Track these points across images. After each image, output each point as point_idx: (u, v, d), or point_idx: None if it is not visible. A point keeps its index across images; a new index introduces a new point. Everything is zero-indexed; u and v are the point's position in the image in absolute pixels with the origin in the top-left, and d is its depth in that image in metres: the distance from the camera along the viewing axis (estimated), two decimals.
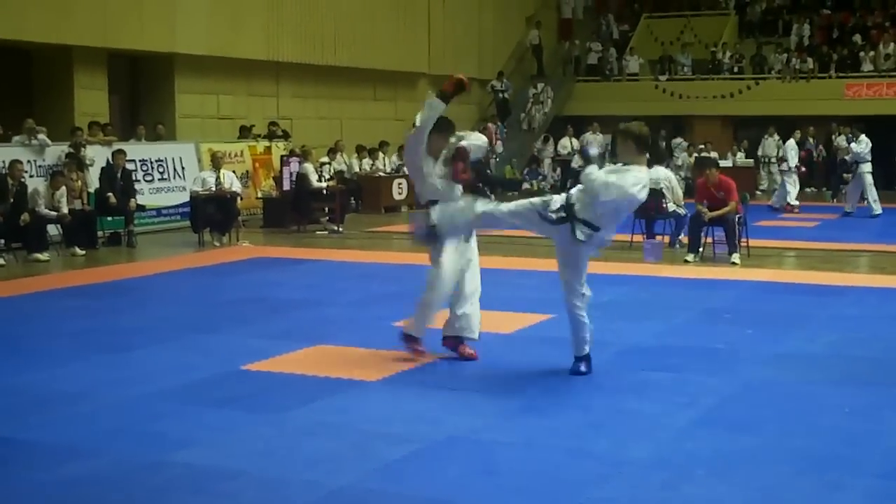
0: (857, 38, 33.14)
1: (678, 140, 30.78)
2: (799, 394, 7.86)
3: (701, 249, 15.42)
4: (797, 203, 23.86)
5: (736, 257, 14.98)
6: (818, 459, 6.28)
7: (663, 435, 6.76)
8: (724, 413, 7.30)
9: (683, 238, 16.35)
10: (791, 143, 24.65)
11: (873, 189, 22.82)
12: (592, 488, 5.79)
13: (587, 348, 8.43)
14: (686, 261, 15.11)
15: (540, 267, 14.18)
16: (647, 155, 8.34)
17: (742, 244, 15.35)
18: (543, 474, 6.02)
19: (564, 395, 7.78)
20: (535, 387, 8.01)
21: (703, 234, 15.43)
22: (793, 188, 24.02)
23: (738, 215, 15.24)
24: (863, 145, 22.84)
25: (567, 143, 30.69)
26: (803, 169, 25.95)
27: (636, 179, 7.92)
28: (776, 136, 30.29)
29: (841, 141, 29.28)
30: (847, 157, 24.82)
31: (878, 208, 22.53)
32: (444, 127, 9.05)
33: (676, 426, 6.95)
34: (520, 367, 8.72)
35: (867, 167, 22.69)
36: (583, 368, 8.42)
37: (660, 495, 5.70)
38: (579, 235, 7.96)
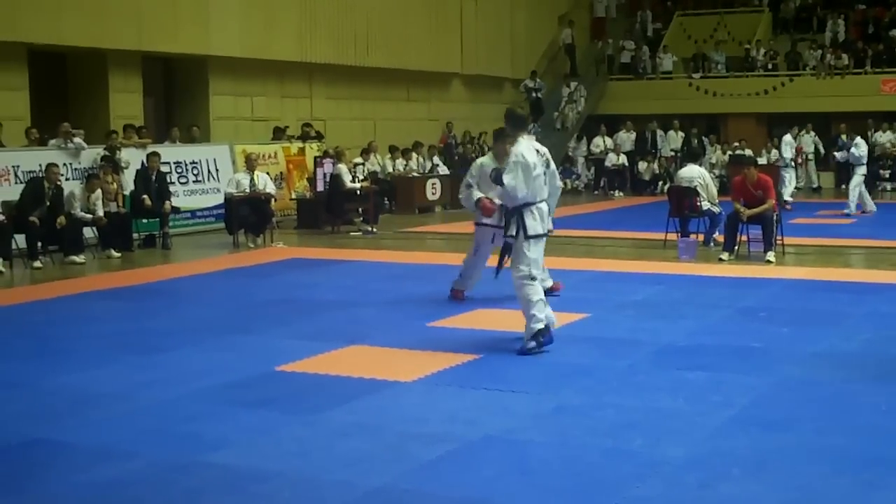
0: (894, 33, 32.87)
1: (706, 140, 30.72)
2: (835, 392, 7.81)
3: (736, 248, 15.34)
4: (791, 200, 23.66)
5: (771, 255, 14.89)
6: (855, 458, 6.23)
7: (699, 434, 6.73)
8: (759, 412, 7.26)
9: (718, 236, 16.28)
10: (787, 137, 24.56)
11: (864, 191, 22.87)
12: (628, 488, 5.78)
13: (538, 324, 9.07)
14: (721, 259, 15.03)
15: (575, 266, 14.16)
16: (514, 135, 9.76)
17: (777, 242, 15.26)
18: (579, 474, 6.01)
19: (599, 394, 7.76)
20: (571, 386, 7.99)
21: (738, 232, 15.35)
22: (789, 185, 23.93)
23: (774, 213, 15.16)
24: (861, 149, 22.83)
25: (600, 142, 30.63)
26: (800, 161, 25.92)
27: (513, 160, 9.29)
28: (812, 133, 30.16)
29: (878, 137, 29.10)
30: (838, 157, 24.72)
31: (854, 209, 22.40)
32: (504, 134, 11.06)
33: (712, 425, 6.92)
34: (555, 366, 8.71)
35: (863, 169, 22.73)
36: (531, 345, 9.07)
37: (696, 494, 5.68)
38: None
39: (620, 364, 8.72)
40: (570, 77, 34.24)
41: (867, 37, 33.67)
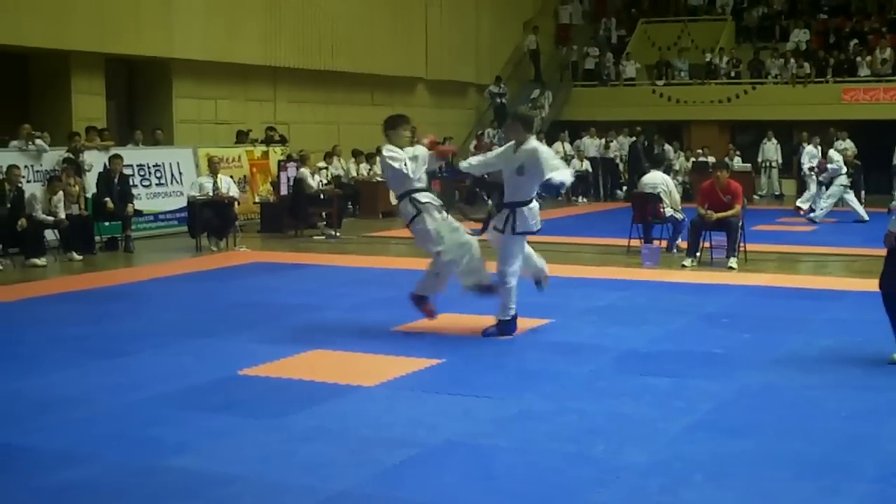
0: (854, 43, 33.12)
1: (667, 147, 30.70)
2: (796, 398, 7.85)
3: (699, 254, 15.40)
4: (804, 208, 23.94)
5: (733, 262, 14.96)
6: (815, 464, 6.27)
7: (661, 440, 6.75)
8: (721, 418, 7.29)
9: (681, 243, 16.35)
10: (809, 148, 24.84)
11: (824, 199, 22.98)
12: (590, 493, 5.79)
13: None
14: (683, 265, 15.10)
15: None
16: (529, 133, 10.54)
17: (739, 249, 15.34)
18: (541, 479, 6.01)
19: (562, 399, 7.77)
20: (533, 391, 8.00)
21: (701, 238, 15.41)
22: (807, 192, 24.31)
23: (739, 220, 15.24)
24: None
25: (560, 148, 30.60)
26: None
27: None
28: (775, 140, 30.37)
29: (837, 145, 29.26)
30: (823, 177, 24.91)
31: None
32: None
33: (674, 431, 6.94)
34: (518, 371, 8.72)
35: (841, 179, 22.77)
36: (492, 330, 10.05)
37: (658, 500, 5.70)
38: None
39: (583, 369, 8.74)
40: (535, 83, 34.28)
41: (828, 46, 33.89)
